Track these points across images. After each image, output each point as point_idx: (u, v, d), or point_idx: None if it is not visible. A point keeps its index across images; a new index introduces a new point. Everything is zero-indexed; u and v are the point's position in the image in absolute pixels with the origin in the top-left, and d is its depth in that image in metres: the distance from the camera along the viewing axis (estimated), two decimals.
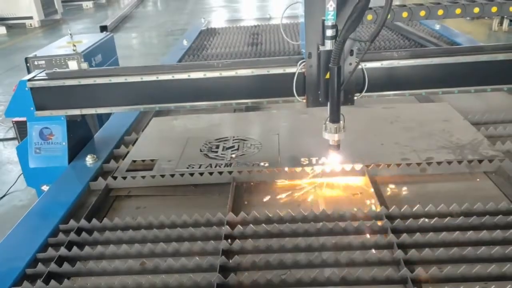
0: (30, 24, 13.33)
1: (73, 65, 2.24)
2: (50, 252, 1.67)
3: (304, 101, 2.13)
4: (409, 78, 2.19)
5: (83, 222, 1.84)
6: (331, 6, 1.81)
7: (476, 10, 1.97)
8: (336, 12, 1.82)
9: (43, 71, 2.37)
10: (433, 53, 2.24)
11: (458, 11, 1.97)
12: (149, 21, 13.70)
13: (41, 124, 2.40)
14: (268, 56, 3.95)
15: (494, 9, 1.96)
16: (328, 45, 1.89)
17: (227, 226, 1.72)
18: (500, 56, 2.15)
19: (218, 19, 9.32)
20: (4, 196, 4.11)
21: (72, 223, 1.84)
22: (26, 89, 2.27)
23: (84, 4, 16.93)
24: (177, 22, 12.99)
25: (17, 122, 3.96)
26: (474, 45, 3.49)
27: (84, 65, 2.27)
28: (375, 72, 2.13)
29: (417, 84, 2.21)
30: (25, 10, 13.16)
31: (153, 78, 2.20)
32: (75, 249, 1.66)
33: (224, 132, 2.57)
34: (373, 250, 1.57)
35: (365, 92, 2.13)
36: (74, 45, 3.70)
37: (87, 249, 1.67)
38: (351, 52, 1.97)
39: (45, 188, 2.31)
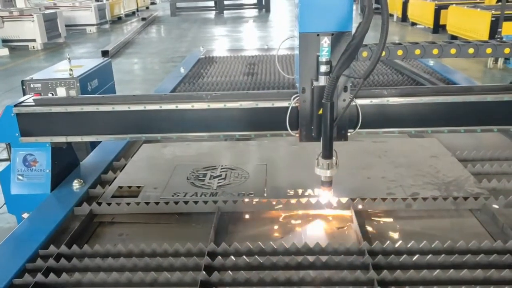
0: (33, 46, 13.46)
1: (61, 92, 2.26)
2: (27, 278, 1.64)
3: (297, 135, 2.11)
4: (399, 116, 2.19)
5: (63, 248, 1.81)
6: (325, 42, 1.84)
7: (471, 51, 1.99)
8: (331, 49, 1.84)
9: (30, 96, 2.38)
10: (423, 92, 2.25)
11: (453, 51, 1.99)
12: (150, 47, 13.87)
13: (25, 150, 2.39)
14: (263, 86, 3.99)
15: (488, 50, 1.99)
16: (322, 81, 1.89)
17: (208, 257, 1.71)
18: (489, 97, 2.15)
19: (217, 48, 9.42)
20: None
21: (52, 248, 1.82)
22: (12, 114, 2.26)
23: (88, 28, 17.18)
24: (178, 49, 13.14)
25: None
26: (464, 85, 3.53)
27: (73, 92, 2.29)
28: (364, 109, 2.13)
29: (407, 122, 2.21)
30: (29, 33, 13.31)
31: (140, 108, 2.20)
32: (52, 275, 1.64)
33: (213, 161, 2.57)
34: (352, 287, 1.55)
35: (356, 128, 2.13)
36: (71, 70, 3.74)
37: (64, 276, 1.65)
38: (345, 88, 1.97)
39: (25, 215, 2.28)
